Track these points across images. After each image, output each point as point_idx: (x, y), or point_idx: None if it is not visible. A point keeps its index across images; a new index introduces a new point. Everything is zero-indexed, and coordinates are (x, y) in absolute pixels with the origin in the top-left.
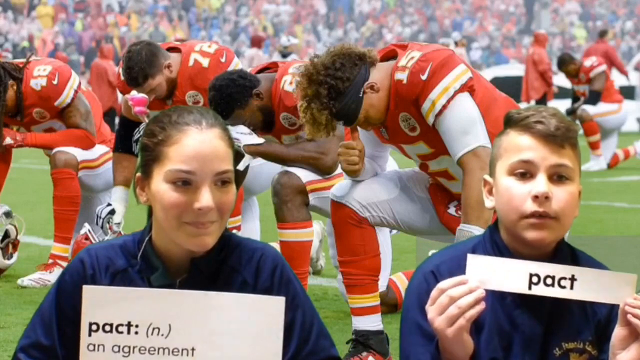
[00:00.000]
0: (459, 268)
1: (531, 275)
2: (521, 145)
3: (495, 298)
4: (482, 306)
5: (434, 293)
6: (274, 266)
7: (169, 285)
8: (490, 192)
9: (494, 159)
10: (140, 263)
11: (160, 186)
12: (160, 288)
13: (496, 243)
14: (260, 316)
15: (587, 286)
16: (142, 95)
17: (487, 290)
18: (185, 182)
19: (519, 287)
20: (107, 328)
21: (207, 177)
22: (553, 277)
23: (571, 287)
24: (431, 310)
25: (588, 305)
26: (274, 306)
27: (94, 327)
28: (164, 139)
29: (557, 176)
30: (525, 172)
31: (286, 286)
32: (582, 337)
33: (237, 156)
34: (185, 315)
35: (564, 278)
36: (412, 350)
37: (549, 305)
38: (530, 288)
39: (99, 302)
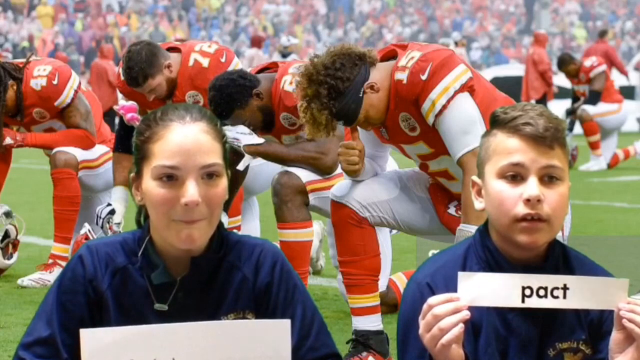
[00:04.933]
0: (453, 274)
1: (524, 288)
2: (510, 147)
3: None
4: (461, 328)
5: (424, 307)
6: (274, 261)
7: (170, 283)
8: (479, 194)
9: (482, 161)
10: (140, 260)
11: (148, 184)
12: (161, 285)
13: (487, 246)
14: (266, 341)
15: (580, 294)
16: (130, 102)
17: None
18: (170, 177)
19: (513, 301)
20: None
21: (191, 171)
22: (546, 288)
23: (564, 297)
24: (421, 325)
25: None
26: (280, 330)
27: None
28: (149, 137)
29: (548, 177)
30: (515, 174)
31: (286, 281)
32: (575, 336)
33: (237, 156)
34: (189, 348)
35: (557, 288)
36: None
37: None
38: (523, 301)
39: (98, 344)
